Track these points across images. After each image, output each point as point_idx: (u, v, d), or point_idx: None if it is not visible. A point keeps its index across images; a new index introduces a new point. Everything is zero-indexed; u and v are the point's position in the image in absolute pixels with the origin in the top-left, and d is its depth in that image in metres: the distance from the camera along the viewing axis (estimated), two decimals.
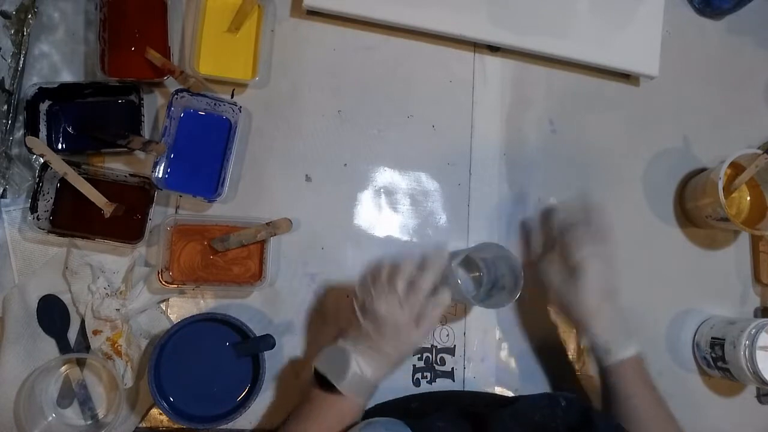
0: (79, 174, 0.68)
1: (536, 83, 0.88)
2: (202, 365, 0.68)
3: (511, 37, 0.84)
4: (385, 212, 0.81)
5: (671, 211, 0.90)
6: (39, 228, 0.68)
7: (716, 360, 0.83)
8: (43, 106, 0.71)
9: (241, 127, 0.75)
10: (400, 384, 0.77)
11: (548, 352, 0.82)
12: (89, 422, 0.69)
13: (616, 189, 0.89)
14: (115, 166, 0.74)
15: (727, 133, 0.94)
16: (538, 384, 0.81)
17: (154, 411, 0.71)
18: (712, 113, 0.94)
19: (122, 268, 0.71)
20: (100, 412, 0.70)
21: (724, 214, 0.81)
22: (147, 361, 0.68)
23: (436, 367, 0.79)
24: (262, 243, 0.73)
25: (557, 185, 0.86)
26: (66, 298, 0.70)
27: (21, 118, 0.71)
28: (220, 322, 0.69)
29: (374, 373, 0.62)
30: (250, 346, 0.69)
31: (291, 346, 0.75)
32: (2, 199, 0.71)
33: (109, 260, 0.71)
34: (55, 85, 0.71)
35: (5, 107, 0.71)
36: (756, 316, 0.90)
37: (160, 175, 0.73)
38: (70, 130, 0.72)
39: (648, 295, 0.86)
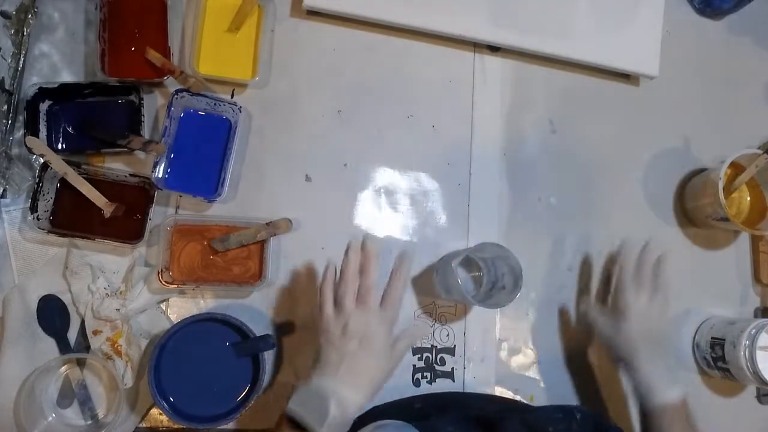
0: (79, 174, 0.69)
1: (536, 83, 0.88)
2: (202, 365, 0.68)
3: (511, 37, 0.84)
4: (385, 212, 0.81)
5: (671, 211, 0.90)
6: (39, 228, 0.68)
7: (716, 360, 0.83)
8: (43, 106, 0.71)
9: (241, 127, 0.75)
10: (400, 384, 0.77)
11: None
12: (89, 422, 0.69)
13: (616, 189, 0.89)
14: (115, 166, 0.73)
15: (727, 133, 0.94)
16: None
17: (154, 411, 0.71)
18: (712, 113, 0.94)
19: (122, 268, 0.71)
20: (100, 412, 0.70)
21: (724, 214, 0.81)
22: (147, 361, 0.68)
23: (436, 367, 0.79)
24: (262, 243, 0.73)
25: (557, 185, 0.86)
26: (66, 298, 0.70)
27: (21, 118, 0.71)
28: (220, 322, 0.69)
29: (356, 402, 0.59)
30: (250, 346, 0.69)
31: (291, 346, 0.75)
32: (2, 199, 0.71)
33: (109, 260, 0.71)
34: (55, 85, 0.71)
35: (5, 107, 0.71)
36: (756, 316, 0.90)
37: (160, 175, 0.73)
38: (70, 130, 0.72)
39: None
